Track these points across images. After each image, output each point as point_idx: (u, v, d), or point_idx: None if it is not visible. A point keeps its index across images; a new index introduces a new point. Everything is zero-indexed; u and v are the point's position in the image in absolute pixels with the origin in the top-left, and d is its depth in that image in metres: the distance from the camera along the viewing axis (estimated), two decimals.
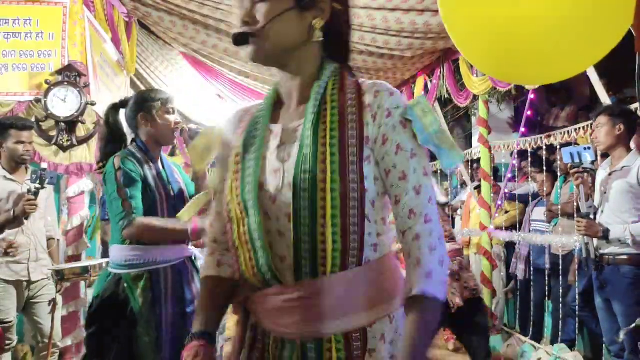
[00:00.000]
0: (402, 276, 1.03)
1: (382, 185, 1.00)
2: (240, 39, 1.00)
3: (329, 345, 0.97)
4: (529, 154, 4.53)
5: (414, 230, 0.96)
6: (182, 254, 2.17)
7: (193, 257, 2.29)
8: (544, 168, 4.39)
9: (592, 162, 3.16)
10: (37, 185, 2.80)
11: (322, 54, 1.06)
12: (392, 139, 0.98)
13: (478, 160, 5.32)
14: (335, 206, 0.94)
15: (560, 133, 4.13)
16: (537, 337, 4.37)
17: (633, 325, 2.56)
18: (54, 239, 3.36)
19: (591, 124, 3.64)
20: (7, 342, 3.07)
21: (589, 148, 2.99)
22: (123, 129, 2.24)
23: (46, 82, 3.34)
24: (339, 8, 1.04)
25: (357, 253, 0.96)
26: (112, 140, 2.21)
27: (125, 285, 2.03)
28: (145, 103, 2.18)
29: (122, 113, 2.25)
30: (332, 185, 0.94)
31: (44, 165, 3.03)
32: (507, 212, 5.07)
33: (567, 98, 5.76)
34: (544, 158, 4.32)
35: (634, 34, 2.08)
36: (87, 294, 3.58)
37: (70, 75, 3.35)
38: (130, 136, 2.25)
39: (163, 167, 2.21)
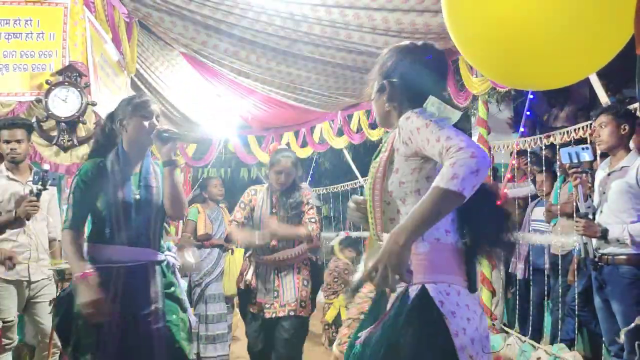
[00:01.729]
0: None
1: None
2: None
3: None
4: (528, 153, 4.54)
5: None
6: (147, 257, 2.21)
7: (164, 264, 2.31)
8: (544, 168, 4.40)
9: (591, 162, 3.17)
10: (39, 187, 2.81)
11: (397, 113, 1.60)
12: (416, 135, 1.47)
13: None
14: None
15: (560, 133, 4.14)
16: (537, 337, 4.38)
17: (632, 325, 2.56)
18: (56, 239, 3.36)
19: (591, 124, 3.65)
20: (8, 341, 3.08)
21: (587, 148, 2.99)
22: (116, 139, 2.31)
23: (47, 82, 3.35)
24: (394, 81, 1.59)
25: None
26: (103, 145, 2.30)
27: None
28: (123, 109, 2.28)
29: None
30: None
31: (45, 166, 3.03)
32: None
33: (566, 98, 5.76)
34: (543, 158, 4.33)
35: (635, 35, 2.09)
36: None
37: (71, 75, 3.36)
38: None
39: (140, 172, 2.28)
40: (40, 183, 2.81)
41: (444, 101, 1.54)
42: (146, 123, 2.24)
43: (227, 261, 4.64)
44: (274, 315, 3.10)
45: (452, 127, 1.44)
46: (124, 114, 2.26)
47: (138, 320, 2.13)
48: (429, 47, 1.62)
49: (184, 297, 2.37)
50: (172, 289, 2.31)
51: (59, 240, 3.40)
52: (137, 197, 2.22)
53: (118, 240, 2.17)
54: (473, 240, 1.48)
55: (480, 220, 1.47)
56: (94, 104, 3.47)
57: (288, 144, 8.09)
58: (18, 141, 3.08)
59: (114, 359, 2.08)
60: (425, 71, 1.58)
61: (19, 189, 3.08)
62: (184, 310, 2.32)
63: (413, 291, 1.44)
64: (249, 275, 3.15)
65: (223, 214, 4.68)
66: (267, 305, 3.11)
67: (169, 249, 2.43)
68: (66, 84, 3.33)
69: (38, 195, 2.82)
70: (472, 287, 1.51)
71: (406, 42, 1.66)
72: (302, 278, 3.17)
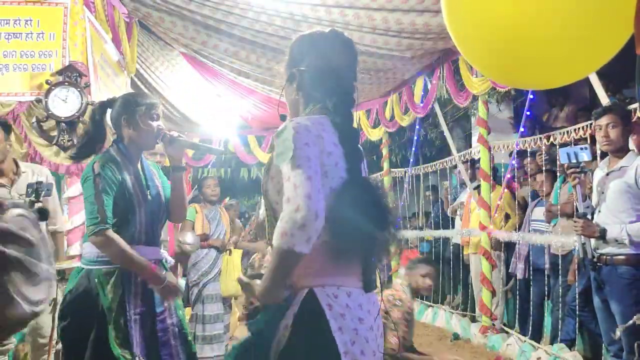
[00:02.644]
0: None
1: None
2: None
3: None
4: (528, 153, 4.53)
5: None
6: (154, 256, 2.21)
7: (164, 261, 2.33)
8: (544, 168, 4.40)
9: (590, 162, 3.16)
10: (33, 199, 2.78)
11: (305, 103, 1.55)
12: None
13: (478, 160, 5.33)
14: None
15: (560, 133, 4.14)
16: (537, 337, 4.38)
17: (630, 322, 2.56)
18: (61, 232, 3.29)
19: (591, 124, 3.65)
20: (7, 342, 3.07)
21: (586, 148, 2.99)
22: (106, 129, 2.27)
23: (47, 82, 3.35)
24: (303, 69, 1.54)
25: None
26: (93, 138, 2.24)
27: (96, 280, 2.06)
28: (129, 106, 2.19)
29: (109, 113, 2.27)
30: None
31: (41, 177, 2.99)
32: (507, 215, 5.08)
33: (566, 98, 5.77)
34: (543, 158, 4.33)
35: (635, 35, 2.09)
36: None
37: (71, 75, 3.36)
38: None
39: (142, 170, 2.24)
40: (34, 195, 2.76)
41: (351, 92, 1.53)
42: (154, 125, 2.20)
43: (225, 261, 4.64)
44: None
45: (307, 166, 1.36)
46: (130, 111, 2.18)
47: (155, 318, 2.17)
48: (337, 35, 1.57)
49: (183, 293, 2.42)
50: None
51: (63, 233, 3.34)
52: (149, 197, 2.21)
53: (138, 239, 2.15)
54: (346, 239, 1.42)
55: (357, 218, 1.40)
56: (93, 104, 3.47)
57: None
58: None
59: (141, 354, 2.10)
60: (332, 60, 1.53)
61: (3, 193, 2.94)
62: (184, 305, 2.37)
63: (301, 295, 1.43)
64: None
65: (221, 213, 4.68)
66: None
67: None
68: (66, 84, 3.33)
69: (31, 206, 2.79)
70: (366, 286, 1.49)
71: (315, 30, 1.60)
72: None
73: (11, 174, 3.04)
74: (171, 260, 2.44)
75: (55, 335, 3.09)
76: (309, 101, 1.52)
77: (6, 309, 1.12)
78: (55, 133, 3.39)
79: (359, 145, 1.54)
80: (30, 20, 3.43)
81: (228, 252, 4.73)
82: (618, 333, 2.60)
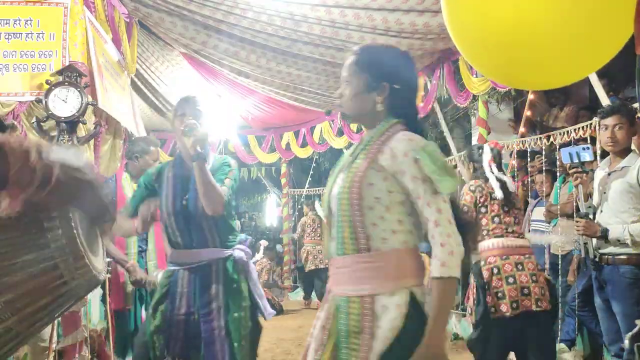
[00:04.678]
0: (409, 266, 1.47)
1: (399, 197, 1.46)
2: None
3: (349, 304, 1.46)
4: (528, 153, 4.53)
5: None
6: (200, 258, 2.29)
7: (232, 259, 2.34)
8: (544, 168, 4.40)
9: (592, 162, 3.16)
10: None
11: (385, 114, 1.57)
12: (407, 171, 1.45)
13: None
14: (345, 210, 1.49)
15: (560, 133, 4.14)
16: None
17: (636, 328, 2.55)
18: None
19: (590, 124, 3.65)
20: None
21: (588, 148, 2.99)
22: None
23: (47, 83, 3.34)
24: (397, 87, 1.55)
25: (363, 243, 1.46)
26: None
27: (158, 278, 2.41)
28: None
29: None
30: (344, 196, 1.50)
31: None
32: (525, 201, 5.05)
33: (566, 98, 5.76)
34: (543, 158, 4.33)
35: (635, 35, 2.10)
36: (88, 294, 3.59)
37: (71, 75, 3.35)
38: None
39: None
40: None
41: (416, 112, 1.63)
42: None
43: None
44: None
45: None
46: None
47: (198, 320, 2.23)
48: (411, 57, 1.68)
49: (246, 294, 2.33)
50: (234, 285, 2.30)
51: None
52: (184, 202, 2.28)
53: (179, 244, 2.32)
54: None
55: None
56: (94, 104, 3.47)
57: (288, 144, 8.11)
58: None
59: (180, 352, 2.21)
60: (416, 83, 1.65)
61: None
62: (245, 308, 2.30)
63: (394, 299, 1.42)
64: None
65: None
66: None
67: (240, 242, 2.42)
68: (66, 84, 3.32)
69: None
70: None
71: (392, 45, 1.68)
72: None
73: None
74: (245, 257, 2.39)
75: (55, 338, 3.09)
76: (391, 116, 1.57)
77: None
78: (55, 133, 3.38)
79: None
80: (30, 20, 3.42)
81: None
82: (626, 342, 2.59)
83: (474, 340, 3.05)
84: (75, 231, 1.14)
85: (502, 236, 2.97)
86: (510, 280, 2.88)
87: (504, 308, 2.85)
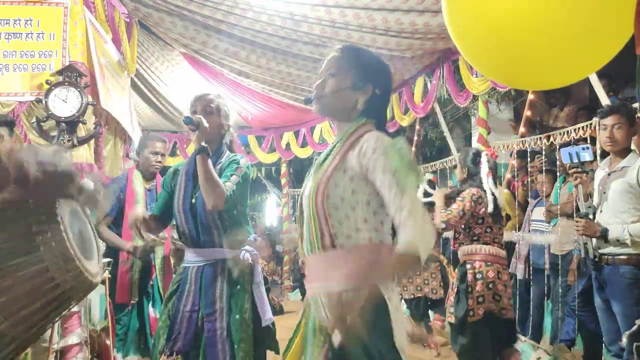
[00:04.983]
0: (373, 261, 1.47)
1: (364, 197, 1.49)
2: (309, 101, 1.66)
3: (317, 301, 1.50)
4: (528, 153, 4.53)
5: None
6: (205, 257, 2.32)
7: (240, 257, 2.36)
8: (544, 168, 4.40)
9: (591, 162, 3.16)
10: None
11: (359, 114, 1.60)
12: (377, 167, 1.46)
13: None
14: (312, 209, 1.51)
15: (560, 133, 4.14)
16: (537, 337, 4.38)
17: (635, 327, 2.56)
18: None
19: (590, 124, 3.65)
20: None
21: (588, 148, 2.99)
22: None
23: (47, 83, 3.34)
24: (378, 92, 1.60)
25: (329, 241, 1.49)
26: None
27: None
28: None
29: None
30: (312, 196, 1.52)
31: None
32: (507, 215, 5.07)
33: (566, 98, 5.76)
34: (543, 159, 4.32)
35: (635, 35, 2.10)
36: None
37: (71, 75, 3.35)
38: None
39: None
40: None
41: (386, 117, 1.70)
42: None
43: None
44: None
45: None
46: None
47: (201, 319, 2.25)
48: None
49: (249, 296, 2.33)
50: (238, 287, 2.30)
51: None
52: (194, 200, 2.30)
53: (188, 242, 2.36)
54: None
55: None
56: (94, 104, 3.47)
57: (288, 144, 8.11)
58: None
59: (183, 351, 2.22)
60: (390, 89, 1.71)
61: None
62: (248, 310, 2.29)
63: (359, 294, 1.39)
64: None
65: None
66: None
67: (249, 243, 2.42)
68: (66, 84, 3.32)
69: None
70: None
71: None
72: None
73: None
74: (250, 258, 2.39)
75: (55, 338, 3.09)
76: (367, 115, 1.60)
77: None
78: (55, 133, 3.38)
79: None
80: (30, 20, 3.42)
81: None
82: (624, 340, 2.60)
83: (464, 347, 3.21)
84: (64, 234, 1.14)
85: (489, 244, 3.25)
86: (491, 286, 3.16)
87: (481, 312, 3.11)
